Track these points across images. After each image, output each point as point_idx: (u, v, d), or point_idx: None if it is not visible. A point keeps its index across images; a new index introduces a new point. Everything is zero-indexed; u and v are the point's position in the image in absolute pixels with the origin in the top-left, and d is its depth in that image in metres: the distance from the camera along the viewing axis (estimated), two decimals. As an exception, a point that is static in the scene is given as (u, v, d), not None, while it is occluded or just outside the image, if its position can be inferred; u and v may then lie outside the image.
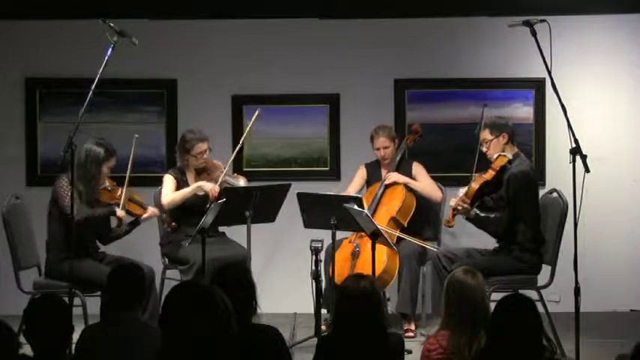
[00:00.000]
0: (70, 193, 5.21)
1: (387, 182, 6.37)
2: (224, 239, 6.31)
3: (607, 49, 7.16)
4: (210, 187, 6.11)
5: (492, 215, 5.81)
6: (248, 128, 6.41)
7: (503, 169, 5.77)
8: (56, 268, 5.67)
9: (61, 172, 5.67)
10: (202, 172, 6.31)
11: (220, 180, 6.17)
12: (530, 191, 5.75)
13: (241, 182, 6.31)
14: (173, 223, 6.14)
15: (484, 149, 5.85)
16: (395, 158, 6.48)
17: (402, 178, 6.38)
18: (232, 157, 6.39)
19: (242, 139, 6.44)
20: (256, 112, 6.31)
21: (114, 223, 5.92)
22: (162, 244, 6.33)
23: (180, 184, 6.25)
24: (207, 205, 5.94)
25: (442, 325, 3.92)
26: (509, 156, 5.79)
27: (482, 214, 5.84)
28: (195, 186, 6.16)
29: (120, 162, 5.98)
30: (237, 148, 6.42)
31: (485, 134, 5.85)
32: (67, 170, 5.56)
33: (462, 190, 5.82)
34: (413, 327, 6.20)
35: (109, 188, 5.84)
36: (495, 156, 5.81)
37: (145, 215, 5.99)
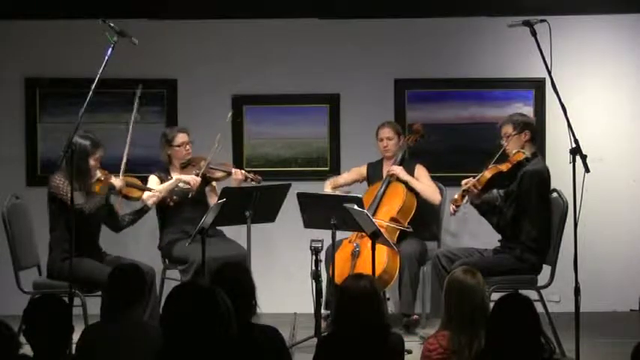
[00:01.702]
0: (66, 189, 5.20)
1: (390, 173, 6.39)
2: (223, 239, 6.31)
3: (607, 49, 7.16)
4: (191, 178, 6.13)
5: (497, 204, 5.84)
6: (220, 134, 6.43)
7: (519, 165, 5.77)
8: (57, 267, 5.66)
9: (54, 171, 5.67)
10: (187, 166, 6.31)
11: (204, 168, 6.18)
12: (541, 191, 5.73)
13: (230, 169, 6.32)
14: (174, 197, 6.14)
15: (504, 144, 5.86)
16: (396, 157, 6.50)
17: (404, 174, 6.39)
18: (214, 148, 6.32)
19: (218, 137, 6.38)
20: (229, 114, 6.42)
21: (121, 210, 5.94)
22: (161, 247, 6.32)
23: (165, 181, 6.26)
24: (189, 196, 6.01)
25: (442, 325, 3.92)
26: (528, 154, 5.80)
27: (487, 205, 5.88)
28: (175, 180, 6.17)
29: (117, 160, 5.99)
30: (217, 147, 6.36)
31: (508, 128, 5.86)
32: (60, 168, 5.56)
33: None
34: (416, 316, 6.23)
35: (102, 178, 5.82)
36: (514, 151, 5.82)
37: (151, 201, 5.99)
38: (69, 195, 5.25)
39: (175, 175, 6.25)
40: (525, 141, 5.84)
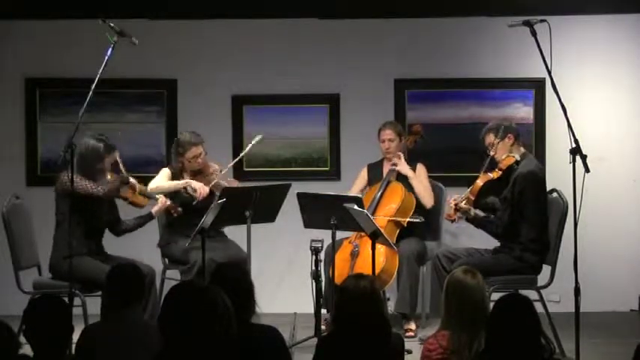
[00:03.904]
0: (82, 183, 5.39)
1: (393, 167, 6.40)
2: (224, 240, 6.30)
3: (607, 49, 7.16)
4: (199, 186, 6.09)
5: (492, 216, 5.85)
6: (247, 149, 6.30)
7: (510, 169, 5.78)
8: (60, 266, 5.65)
9: (63, 170, 5.66)
10: (198, 174, 6.29)
11: (213, 182, 6.15)
12: (536, 191, 5.73)
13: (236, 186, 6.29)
14: (179, 209, 6.12)
15: (491, 153, 5.86)
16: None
17: (406, 167, 6.40)
18: (231, 164, 6.36)
19: (240, 155, 6.43)
20: (258, 137, 6.20)
21: (123, 215, 5.94)
22: (161, 245, 6.32)
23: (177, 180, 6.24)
24: (194, 203, 5.98)
25: (442, 325, 3.92)
26: (517, 157, 5.80)
27: (482, 215, 5.89)
28: (184, 182, 6.15)
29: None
30: (235, 161, 6.41)
31: (490, 138, 5.86)
32: (68, 166, 5.57)
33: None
34: (413, 326, 6.20)
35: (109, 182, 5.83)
36: (503, 157, 5.83)
37: (155, 208, 5.99)
38: (85, 188, 5.45)
39: (187, 179, 6.22)
40: (511, 144, 5.85)
